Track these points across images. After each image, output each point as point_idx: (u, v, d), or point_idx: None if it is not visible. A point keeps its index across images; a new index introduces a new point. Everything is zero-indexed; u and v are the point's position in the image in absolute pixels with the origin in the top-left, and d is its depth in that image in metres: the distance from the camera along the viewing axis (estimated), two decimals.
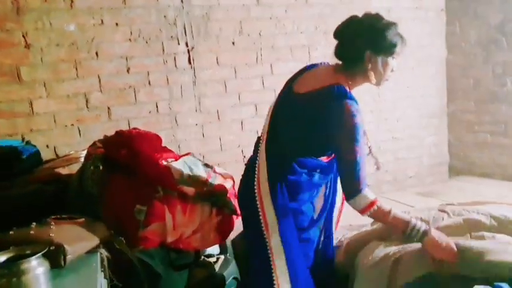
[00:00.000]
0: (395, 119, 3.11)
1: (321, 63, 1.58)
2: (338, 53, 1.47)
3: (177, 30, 2.39)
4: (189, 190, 1.70)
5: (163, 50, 2.37)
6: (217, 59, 2.51)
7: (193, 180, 1.74)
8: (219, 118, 2.56)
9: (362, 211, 1.37)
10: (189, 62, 2.44)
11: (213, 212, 1.75)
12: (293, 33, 2.69)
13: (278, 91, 1.58)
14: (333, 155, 1.50)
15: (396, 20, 1.46)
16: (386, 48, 1.41)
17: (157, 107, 2.40)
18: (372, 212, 1.36)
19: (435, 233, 1.39)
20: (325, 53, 2.71)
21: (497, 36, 3.05)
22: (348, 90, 1.42)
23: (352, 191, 1.37)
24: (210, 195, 1.76)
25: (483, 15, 3.09)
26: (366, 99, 2.97)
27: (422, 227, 1.38)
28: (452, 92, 3.34)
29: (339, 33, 1.46)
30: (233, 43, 2.54)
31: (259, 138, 1.60)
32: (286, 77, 1.56)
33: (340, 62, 1.47)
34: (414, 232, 1.37)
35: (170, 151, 1.91)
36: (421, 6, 3.08)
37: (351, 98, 1.40)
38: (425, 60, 3.17)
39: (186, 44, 2.42)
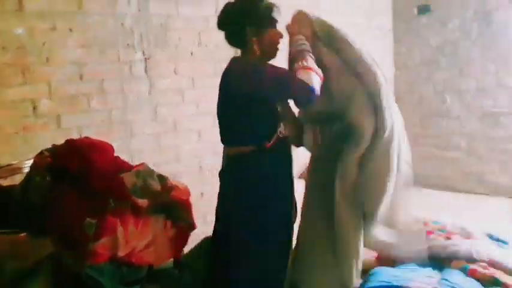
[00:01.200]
0: None
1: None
2: (228, 41, 1.58)
3: (134, 38, 2.35)
4: (143, 202, 1.67)
5: (119, 58, 2.32)
6: (175, 69, 2.50)
7: (147, 191, 1.71)
8: (175, 128, 2.53)
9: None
10: (145, 71, 2.41)
11: (167, 225, 1.72)
12: None
13: None
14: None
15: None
16: (263, 18, 1.51)
17: (111, 115, 2.33)
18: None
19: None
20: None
21: (438, 56, 3.31)
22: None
23: (308, 100, 1.47)
24: (165, 207, 1.74)
25: (425, 37, 3.35)
26: None
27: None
28: (399, 106, 3.55)
29: (220, 25, 1.56)
30: (191, 53, 2.54)
31: None
32: None
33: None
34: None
35: (123, 161, 1.86)
36: (371, 25, 3.26)
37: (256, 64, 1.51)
38: None
39: (143, 53, 2.39)
